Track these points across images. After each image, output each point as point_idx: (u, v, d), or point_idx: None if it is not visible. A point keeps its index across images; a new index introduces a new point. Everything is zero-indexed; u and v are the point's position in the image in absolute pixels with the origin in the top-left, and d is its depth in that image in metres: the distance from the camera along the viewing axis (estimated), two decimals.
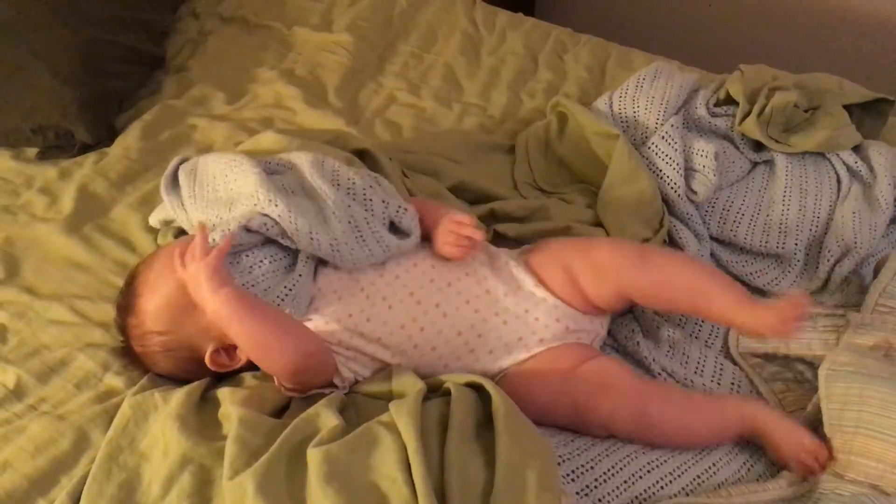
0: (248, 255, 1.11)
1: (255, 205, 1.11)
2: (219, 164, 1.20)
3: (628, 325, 1.20)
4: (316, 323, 1.07)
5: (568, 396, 1.03)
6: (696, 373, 1.15)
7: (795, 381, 1.14)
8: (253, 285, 1.08)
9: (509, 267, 1.13)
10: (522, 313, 1.09)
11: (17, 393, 1.09)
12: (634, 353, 1.16)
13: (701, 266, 1.13)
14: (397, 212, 1.16)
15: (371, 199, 1.16)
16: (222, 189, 1.17)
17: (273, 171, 1.19)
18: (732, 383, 1.15)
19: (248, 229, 1.10)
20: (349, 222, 1.12)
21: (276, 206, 1.10)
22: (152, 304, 1.06)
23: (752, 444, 1.05)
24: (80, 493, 0.96)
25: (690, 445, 1.04)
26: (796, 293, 1.05)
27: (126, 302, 1.10)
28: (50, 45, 1.55)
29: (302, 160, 1.19)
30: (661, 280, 1.08)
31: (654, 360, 1.14)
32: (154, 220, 1.30)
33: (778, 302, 1.03)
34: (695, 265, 1.13)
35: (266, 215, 1.10)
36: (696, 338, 1.20)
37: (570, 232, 1.29)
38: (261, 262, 1.10)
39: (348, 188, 1.16)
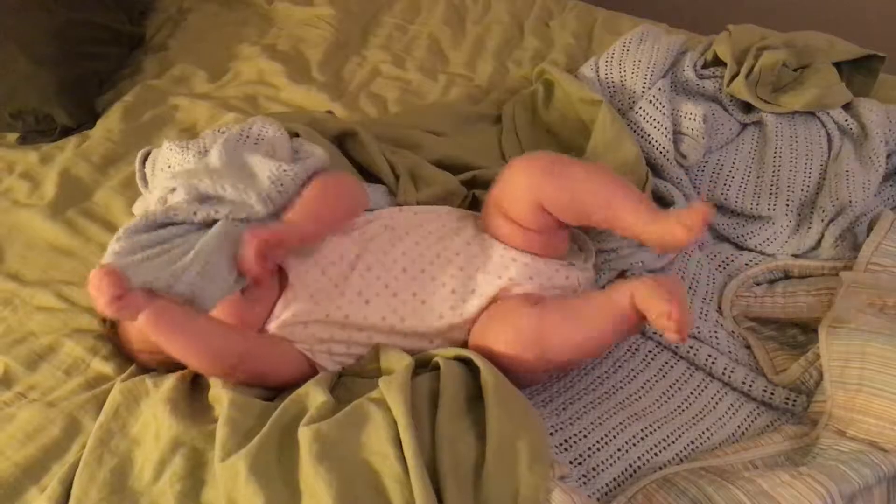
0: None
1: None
2: (161, 153, 1.20)
3: None
4: (293, 329, 1.05)
5: (487, 340, 1.01)
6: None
7: (789, 346, 1.13)
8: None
9: (480, 237, 1.11)
10: (497, 280, 1.07)
11: (5, 381, 1.08)
12: None
13: (613, 177, 1.08)
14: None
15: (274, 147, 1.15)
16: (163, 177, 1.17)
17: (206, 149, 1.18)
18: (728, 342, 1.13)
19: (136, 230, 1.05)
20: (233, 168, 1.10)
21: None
22: (134, 329, 1.05)
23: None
24: (72, 479, 0.95)
25: (600, 351, 1.06)
26: (698, 203, 1.04)
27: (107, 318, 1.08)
28: (26, 27, 1.53)
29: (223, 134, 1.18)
30: (569, 187, 1.05)
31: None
32: (138, 210, 1.28)
33: (681, 211, 1.00)
34: (606, 175, 1.08)
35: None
36: (693, 294, 1.19)
37: None
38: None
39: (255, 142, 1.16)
